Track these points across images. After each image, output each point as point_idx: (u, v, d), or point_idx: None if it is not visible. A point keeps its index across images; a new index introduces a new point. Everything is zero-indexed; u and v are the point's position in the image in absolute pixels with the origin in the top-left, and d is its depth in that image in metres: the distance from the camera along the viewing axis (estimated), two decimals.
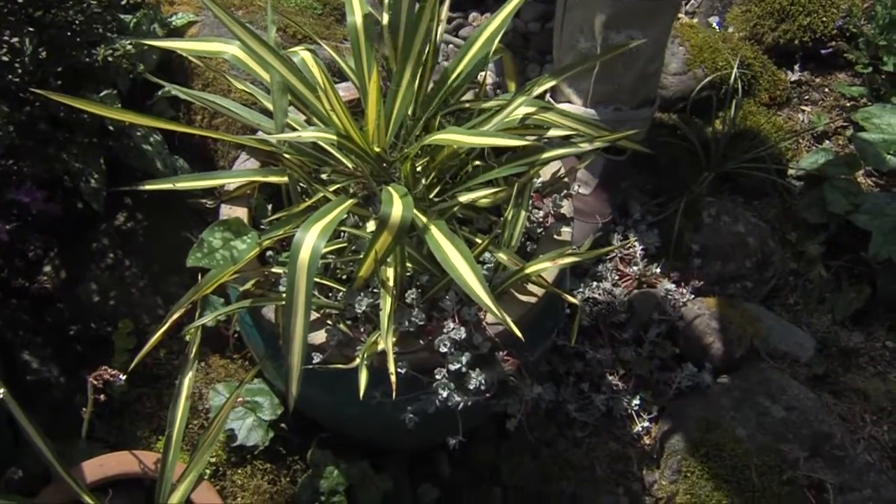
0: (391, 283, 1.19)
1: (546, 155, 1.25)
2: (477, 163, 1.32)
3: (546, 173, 1.41)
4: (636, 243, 1.81)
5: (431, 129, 1.31)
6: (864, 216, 1.82)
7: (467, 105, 1.32)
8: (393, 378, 1.11)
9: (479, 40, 1.32)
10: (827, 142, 2.05)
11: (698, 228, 1.83)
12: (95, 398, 1.24)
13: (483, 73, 1.37)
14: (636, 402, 1.64)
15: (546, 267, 1.24)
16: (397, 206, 1.12)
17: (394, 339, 1.18)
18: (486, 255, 1.29)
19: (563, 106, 1.78)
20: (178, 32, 1.74)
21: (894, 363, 1.74)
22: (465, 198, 1.26)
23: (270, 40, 1.30)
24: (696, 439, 1.57)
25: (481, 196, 1.26)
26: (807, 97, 2.11)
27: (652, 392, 1.66)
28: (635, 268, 1.78)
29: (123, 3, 1.58)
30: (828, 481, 1.51)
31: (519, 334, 1.10)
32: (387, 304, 1.16)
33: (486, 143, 1.17)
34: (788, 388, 1.63)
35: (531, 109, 1.27)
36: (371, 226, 1.27)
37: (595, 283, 1.75)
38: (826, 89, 2.11)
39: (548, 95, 1.85)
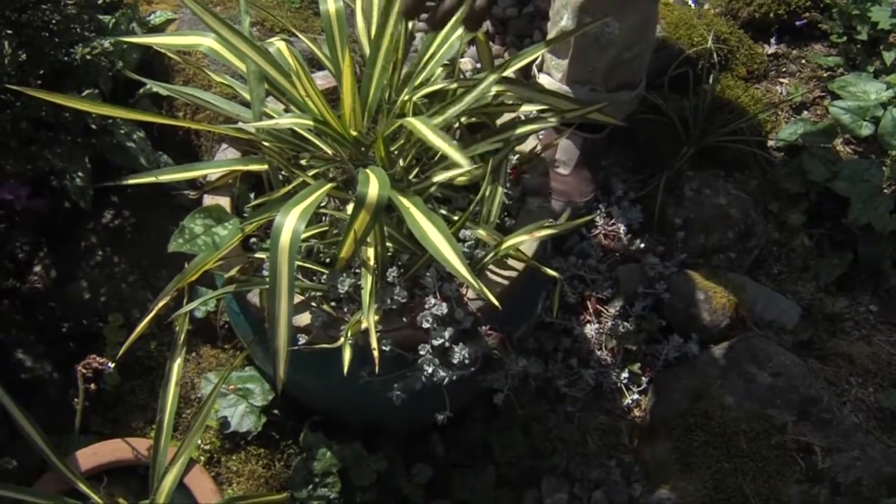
0: (372, 263, 1.21)
1: (519, 130, 1.27)
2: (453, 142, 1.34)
3: (523, 150, 1.43)
4: (619, 219, 1.83)
5: (407, 112, 1.33)
6: (843, 183, 1.84)
7: (441, 86, 1.34)
8: (376, 353, 1.13)
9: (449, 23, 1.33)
10: (805, 112, 2.06)
11: (680, 202, 1.85)
12: (86, 388, 1.26)
13: (457, 56, 1.38)
14: (625, 375, 1.66)
15: (524, 240, 1.26)
16: (373, 186, 1.14)
17: (377, 317, 1.20)
18: (467, 232, 1.31)
19: (542, 78, 1.80)
20: (156, 31, 1.76)
21: (878, 326, 1.76)
22: (441, 176, 1.28)
23: (245, 30, 1.32)
24: (686, 409, 1.59)
25: (458, 174, 1.28)
26: (784, 69, 2.13)
27: (640, 365, 1.68)
28: (619, 243, 1.80)
29: (101, 2, 1.60)
30: (816, 444, 1.53)
31: (497, 303, 1.12)
32: (368, 282, 1.18)
33: (443, 148, 1.15)
34: (775, 355, 1.65)
35: (503, 87, 1.29)
36: (351, 208, 1.29)
37: (580, 260, 1.77)
38: (803, 61, 2.13)
39: (535, 65, 1.86)
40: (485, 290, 1.12)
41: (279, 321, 1.12)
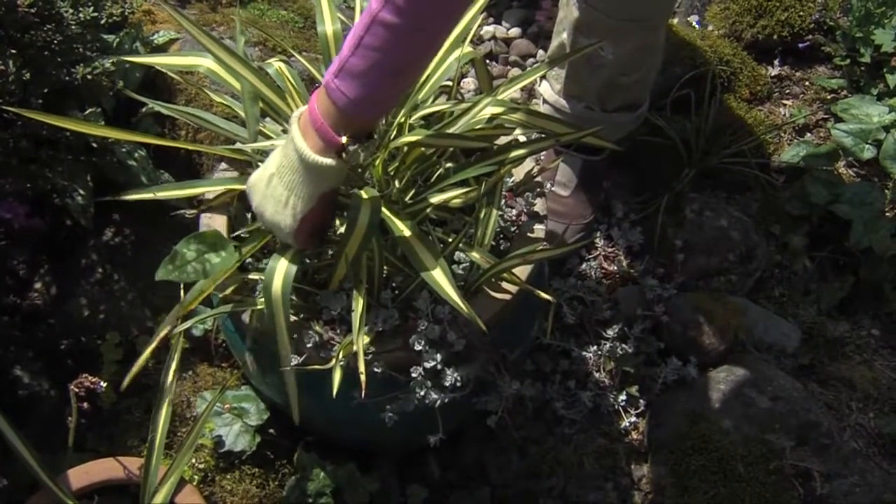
0: (365, 285, 1.21)
1: (514, 153, 1.27)
2: (448, 164, 1.34)
3: (519, 172, 1.43)
4: (619, 241, 1.82)
5: (403, 134, 1.33)
6: (845, 206, 1.83)
7: (437, 108, 1.34)
8: (363, 377, 1.13)
9: (445, 43, 1.34)
10: (808, 134, 2.06)
11: (681, 224, 1.85)
12: (80, 406, 1.27)
13: (455, 77, 1.39)
14: (623, 397, 1.66)
15: (517, 263, 1.26)
16: (365, 208, 1.14)
17: (367, 340, 1.20)
18: (461, 255, 1.31)
19: (543, 86, 1.81)
20: (159, 50, 1.76)
21: (880, 351, 1.75)
22: (436, 199, 1.28)
23: (240, 51, 1.33)
24: (683, 432, 1.58)
25: (453, 196, 1.28)
26: (787, 91, 2.13)
27: (638, 387, 1.67)
28: (619, 265, 1.79)
29: (104, 22, 1.61)
30: (814, 469, 1.52)
31: (484, 328, 1.12)
32: (359, 305, 1.18)
33: (449, 143, 1.19)
34: (774, 379, 1.64)
35: (498, 110, 1.29)
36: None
37: (579, 282, 1.77)
38: (806, 83, 2.13)
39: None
40: (474, 315, 1.12)
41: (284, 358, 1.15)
